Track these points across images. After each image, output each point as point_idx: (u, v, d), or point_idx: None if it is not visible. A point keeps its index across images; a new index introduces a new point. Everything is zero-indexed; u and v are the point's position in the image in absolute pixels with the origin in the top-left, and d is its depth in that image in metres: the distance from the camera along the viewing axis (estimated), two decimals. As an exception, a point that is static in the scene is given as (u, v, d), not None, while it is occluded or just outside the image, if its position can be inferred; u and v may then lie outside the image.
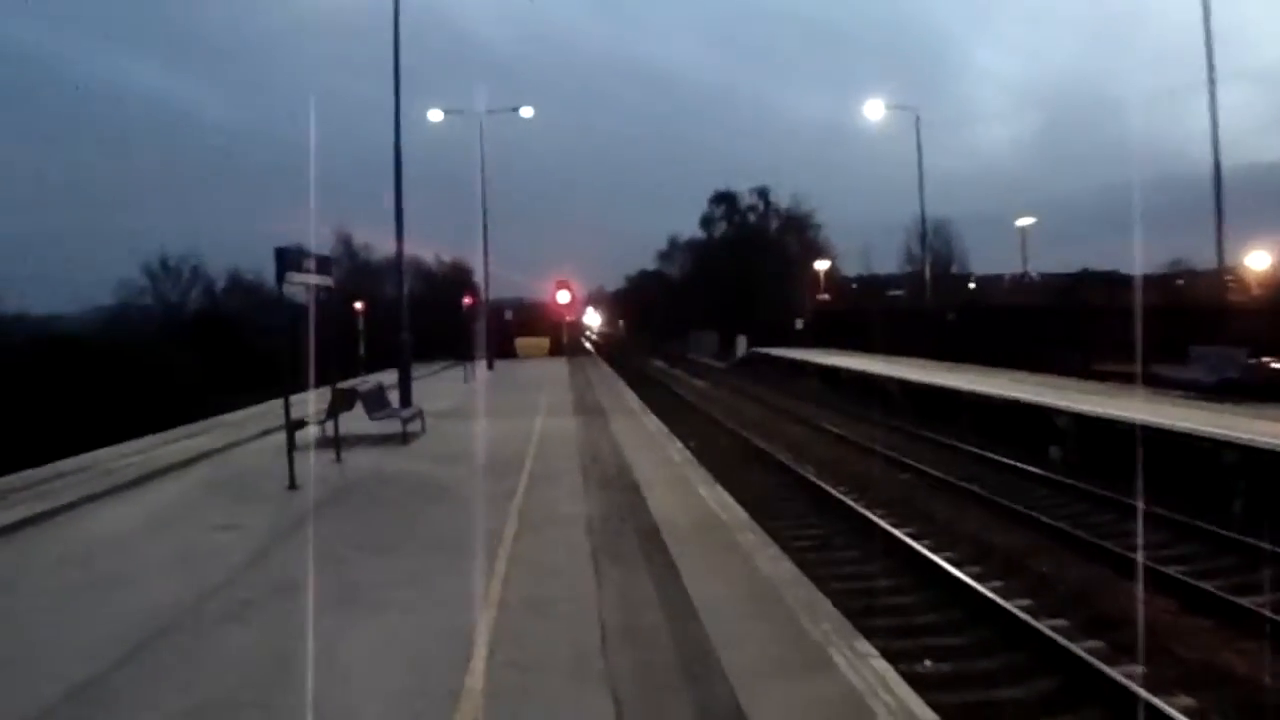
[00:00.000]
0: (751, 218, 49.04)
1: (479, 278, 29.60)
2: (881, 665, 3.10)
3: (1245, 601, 4.86)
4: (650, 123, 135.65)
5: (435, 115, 22.30)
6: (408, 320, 12.58)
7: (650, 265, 67.31)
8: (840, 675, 3.00)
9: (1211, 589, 5.10)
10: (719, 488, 6.83)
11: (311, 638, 3.34)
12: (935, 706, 2.88)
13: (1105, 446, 9.22)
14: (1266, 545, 5.81)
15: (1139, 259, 23.54)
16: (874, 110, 24.93)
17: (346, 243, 37.32)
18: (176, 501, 6.46)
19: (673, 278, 61.99)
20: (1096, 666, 3.93)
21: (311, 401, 8.67)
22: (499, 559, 4.62)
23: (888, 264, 42.64)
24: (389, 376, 14.49)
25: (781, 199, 47.37)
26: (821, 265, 35.87)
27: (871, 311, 28.72)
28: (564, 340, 30.38)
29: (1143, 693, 3.65)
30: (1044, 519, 7.10)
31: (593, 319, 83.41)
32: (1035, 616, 4.72)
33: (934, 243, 35.38)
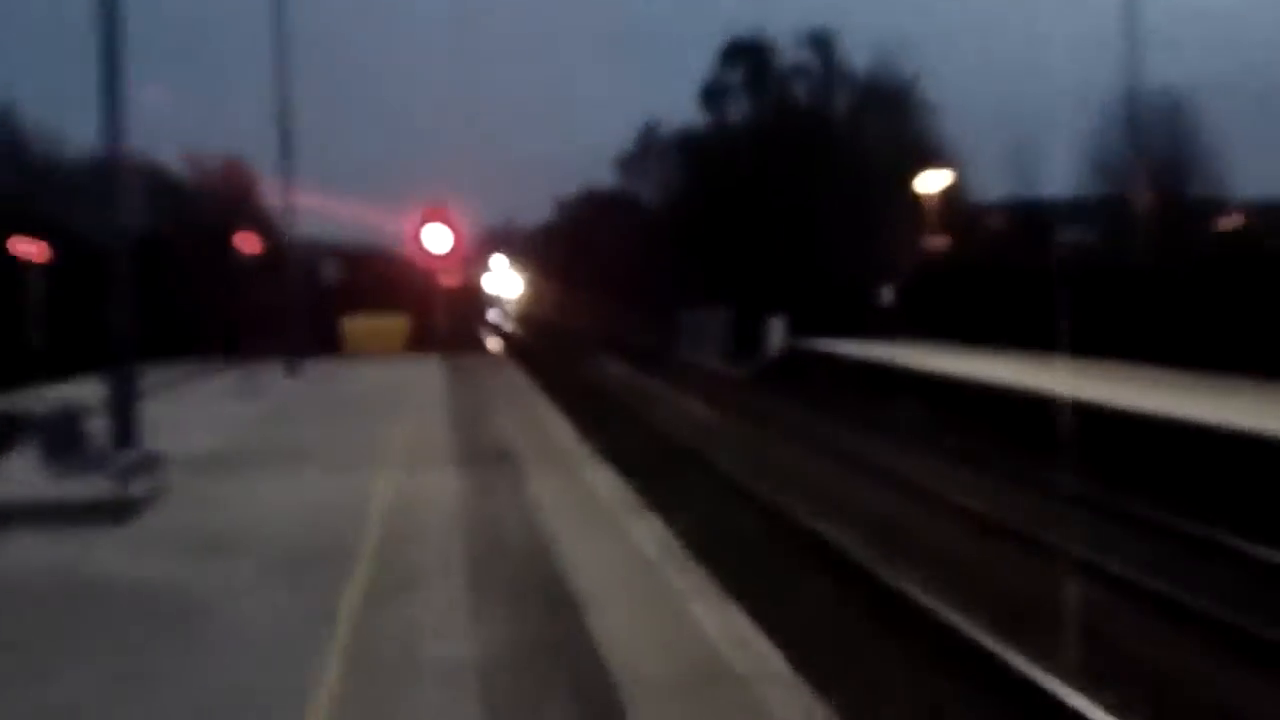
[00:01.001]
0: (799, 89, 49.52)
1: (275, 202, 29.67)
2: None
3: None
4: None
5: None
6: (129, 281, 12.23)
7: (605, 180, 68.36)
8: None
9: None
10: (734, 608, 6.86)
11: None
12: None
13: None
14: None
15: None
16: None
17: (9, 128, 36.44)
18: None
19: (645, 204, 63.14)
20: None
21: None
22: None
23: (1058, 182, 43.75)
24: (93, 389, 14.50)
25: (855, 54, 47.81)
26: (933, 182, 35.59)
27: (1031, 270, 28.45)
28: (437, 321, 30.22)
29: None
30: None
31: (509, 283, 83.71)
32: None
33: (1154, 139, 34.36)
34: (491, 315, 70.65)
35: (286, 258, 26.59)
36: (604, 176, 67.38)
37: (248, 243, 28.22)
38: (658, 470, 15.25)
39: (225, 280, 27.53)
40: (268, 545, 8.65)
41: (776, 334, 34.46)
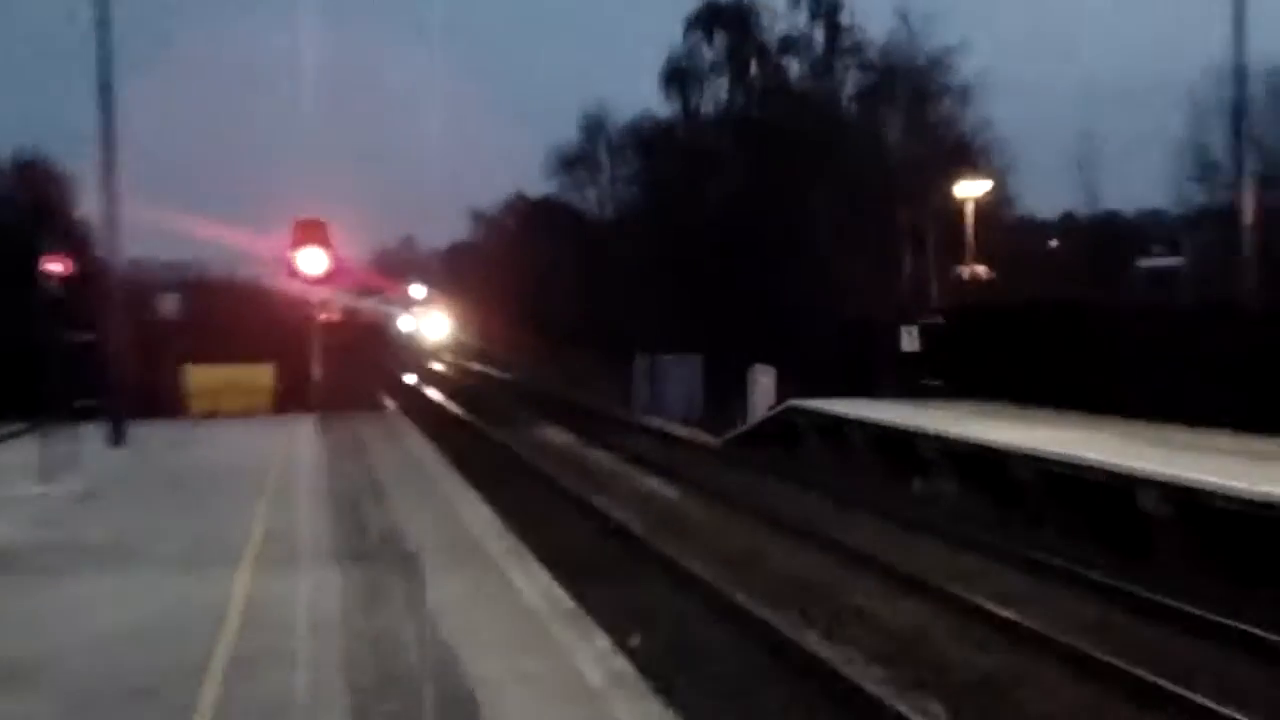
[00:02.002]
0: (793, 68, 50.43)
1: (95, 214, 29.45)
2: None
3: None
4: None
5: None
6: None
7: (535, 187, 67.42)
8: None
9: None
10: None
11: None
12: None
13: None
14: None
15: None
16: None
17: None
18: None
19: (590, 217, 63.28)
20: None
21: None
22: None
23: (1136, 192, 43.96)
24: None
25: (869, 22, 48.29)
26: (971, 190, 36.26)
27: (1103, 308, 29.00)
28: (315, 372, 30.10)
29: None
30: None
31: (431, 320, 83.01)
32: None
33: (1269, 133, 34.87)
34: (401, 359, 70.18)
35: (108, 285, 26.22)
36: (538, 183, 67.55)
37: (57, 265, 27.99)
38: (606, 574, 15.23)
39: (25, 315, 27.25)
40: (62, 685, 8.57)
41: (763, 390, 34.40)
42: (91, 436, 23.97)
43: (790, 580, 16.07)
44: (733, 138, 47.80)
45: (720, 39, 50.76)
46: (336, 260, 25.80)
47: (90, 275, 27.69)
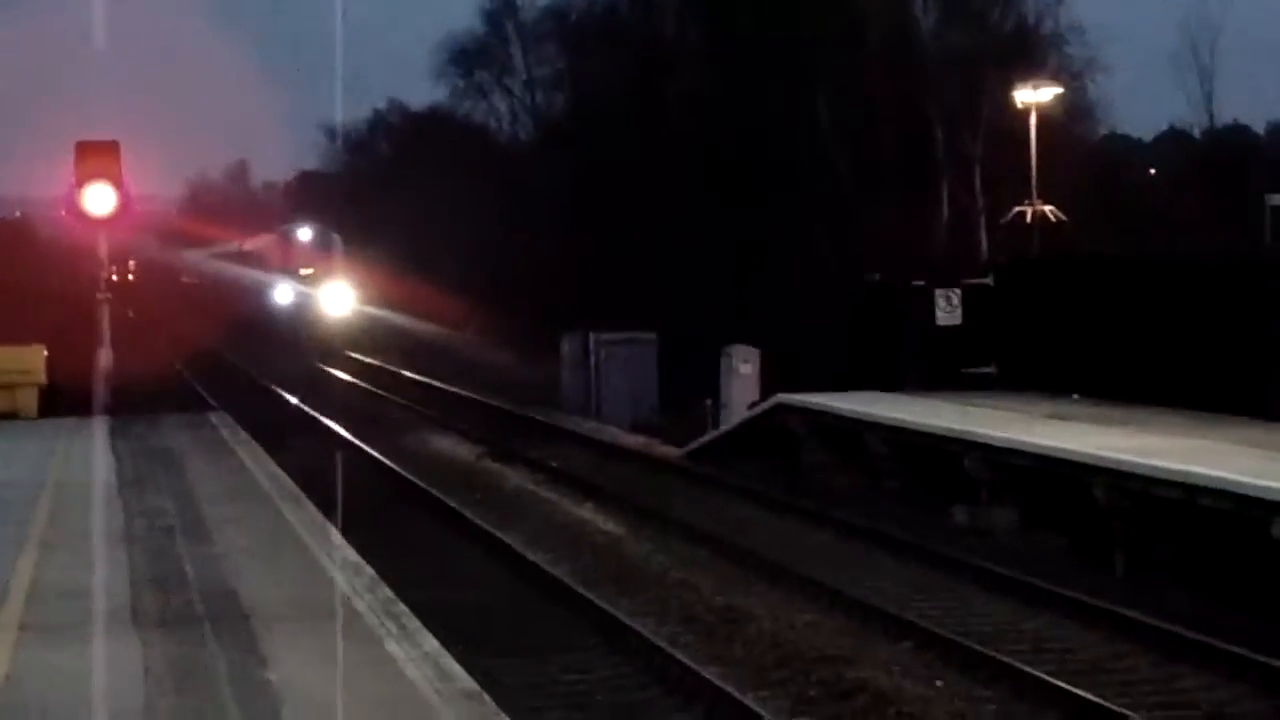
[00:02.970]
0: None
1: None
2: None
3: None
4: None
5: None
6: None
7: (418, 94, 67.12)
8: None
9: None
10: None
11: None
12: None
13: None
14: None
15: None
16: None
17: None
18: None
19: (497, 133, 63.69)
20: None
21: None
22: None
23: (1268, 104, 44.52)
24: None
25: None
26: (1035, 96, 36.65)
27: (1227, 259, 29.46)
28: (103, 357, 29.77)
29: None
30: None
31: (333, 288, 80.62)
32: None
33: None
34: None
35: None
36: (422, 88, 67.81)
37: None
38: (521, 644, 15.38)
39: None
40: None
41: (743, 381, 34.69)
42: None
43: (785, 653, 16.00)
44: (702, 23, 47.87)
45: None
46: (128, 197, 25.29)
47: None
